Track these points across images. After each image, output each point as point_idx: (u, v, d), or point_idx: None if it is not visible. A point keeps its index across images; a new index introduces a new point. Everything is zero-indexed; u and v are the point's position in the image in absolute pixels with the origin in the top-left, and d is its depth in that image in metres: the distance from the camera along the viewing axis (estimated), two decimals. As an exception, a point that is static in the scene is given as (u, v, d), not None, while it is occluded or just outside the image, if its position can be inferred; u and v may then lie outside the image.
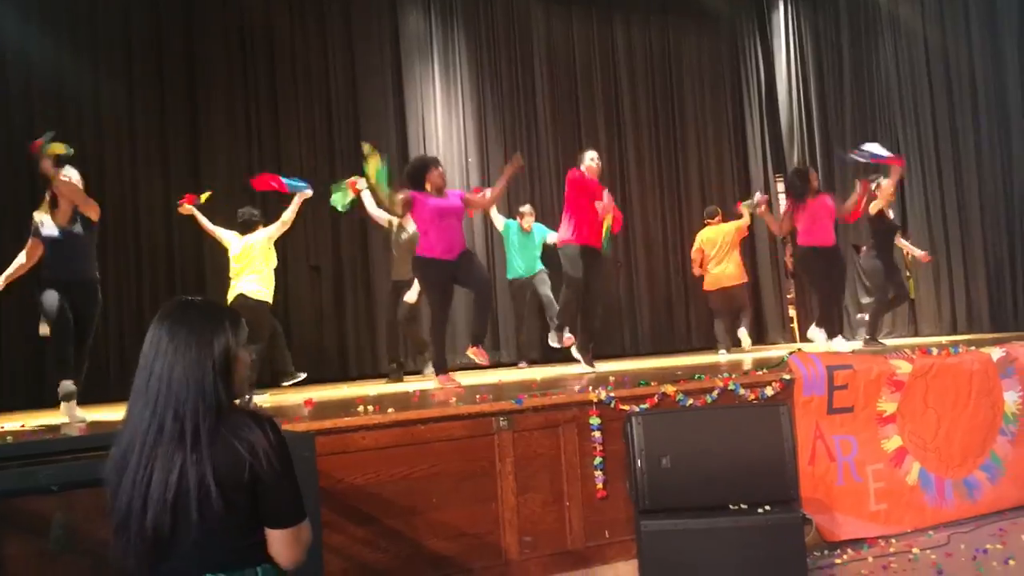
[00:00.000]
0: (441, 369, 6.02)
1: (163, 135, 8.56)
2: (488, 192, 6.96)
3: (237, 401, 2.09)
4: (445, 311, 6.08)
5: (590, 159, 6.87)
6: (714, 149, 11.16)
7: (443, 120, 9.86)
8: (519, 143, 10.15)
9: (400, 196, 5.93)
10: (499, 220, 9.14)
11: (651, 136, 10.93)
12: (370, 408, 4.35)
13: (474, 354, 6.20)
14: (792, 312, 11.37)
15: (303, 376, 7.37)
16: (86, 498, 3.24)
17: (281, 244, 8.89)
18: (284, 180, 6.95)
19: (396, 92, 9.66)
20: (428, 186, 5.97)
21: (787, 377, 5.06)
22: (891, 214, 7.90)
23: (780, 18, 11.19)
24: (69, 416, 5.11)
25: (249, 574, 1.98)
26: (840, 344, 7.16)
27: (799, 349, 5.72)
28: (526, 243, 8.97)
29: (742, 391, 4.87)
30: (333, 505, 3.62)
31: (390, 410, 4.25)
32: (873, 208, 7.66)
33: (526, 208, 9.07)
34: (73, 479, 2.54)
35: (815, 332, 7.40)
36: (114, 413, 5.55)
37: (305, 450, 2.76)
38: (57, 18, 8.11)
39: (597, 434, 4.42)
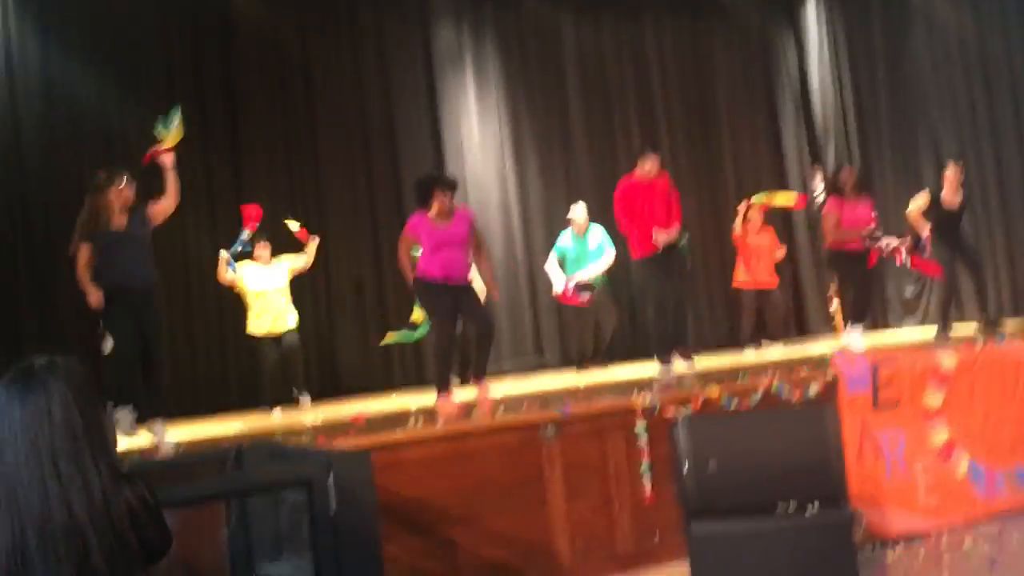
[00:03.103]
0: (441, 390, 5.71)
1: (207, 163, 8.74)
2: (484, 271, 6.32)
3: None
4: (446, 333, 5.83)
5: (640, 164, 6.68)
6: (750, 150, 11.11)
7: (479, 131, 9.95)
8: (554, 150, 10.21)
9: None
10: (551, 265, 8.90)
11: (686, 139, 10.92)
12: (420, 421, 4.47)
13: (480, 392, 5.75)
14: (835, 304, 11.29)
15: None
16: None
17: (323, 258, 9.10)
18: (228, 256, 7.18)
19: (431, 107, 9.76)
20: (433, 208, 5.63)
21: (830, 376, 5.09)
22: (959, 198, 7.74)
23: (811, 14, 11.11)
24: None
25: None
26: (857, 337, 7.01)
27: (843, 347, 5.75)
28: (583, 249, 8.66)
29: (786, 392, 4.92)
30: (390, 517, 3.72)
31: (439, 423, 4.37)
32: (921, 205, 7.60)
33: (574, 211, 8.78)
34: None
35: (851, 335, 7.11)
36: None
37: (362, 467, 2.87)
38: (99, 52, 8.30)
39: (643, 439, 4.49)
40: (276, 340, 7.46)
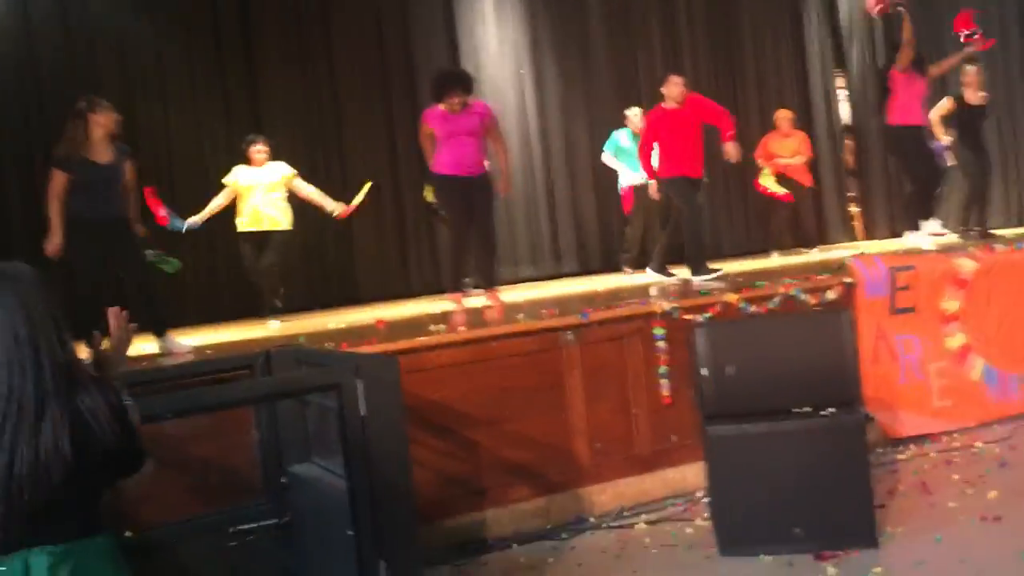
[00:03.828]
0: (454, 288, 5.97)
1: (222, 72, 8.66)
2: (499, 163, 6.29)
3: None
4: (461, 228, 5.95)
5: (665, 90, 6.57)
6: (771, 50, 10.89)
7: (495, 32, 9.79)
8: (572, 51, 10.05)
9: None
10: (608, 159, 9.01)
11: (706, 41, 10.70)
12: (442, 326, 4.55)
13: (488, 298, 5.96)
14: (853, 210, 11.25)
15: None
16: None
17: (339, 167, 9.08)
18: (166, 215, 6.65)
19: (446, 10, 9.60)
20: (444, 105, 5.76)
21: (848, 281, 5.12)
22: (980, 98, 7.64)
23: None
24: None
25: (87, 544, 1.89)
26: (932, 227, 6.96)
27: (862, 252, 5.74)
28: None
29: (803, 296, 4.95)
30: (415, 420, 3.82)
31: (460, 328, 4.45)
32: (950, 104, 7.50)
33: (632, 111, 8.83)
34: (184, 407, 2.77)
35: (914, 235, 7.00)
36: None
37: (391, 371, 2.94)
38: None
39: (662, 344, 4.56)
40: (259, 241, 7.09)
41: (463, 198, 5.83)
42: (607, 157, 9.00)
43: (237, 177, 7.07)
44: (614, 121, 9.43)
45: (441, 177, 5.91)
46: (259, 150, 7.08)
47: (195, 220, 6.93)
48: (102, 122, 5.03)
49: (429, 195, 7.54)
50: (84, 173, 4.95)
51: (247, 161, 7.10)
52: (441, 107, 5.78)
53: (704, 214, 7.81)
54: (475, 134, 5.82)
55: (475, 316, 5.36)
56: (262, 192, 7.05)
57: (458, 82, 5.85)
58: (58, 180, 4.92)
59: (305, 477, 3.42)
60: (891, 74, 6.98)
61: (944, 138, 7.72)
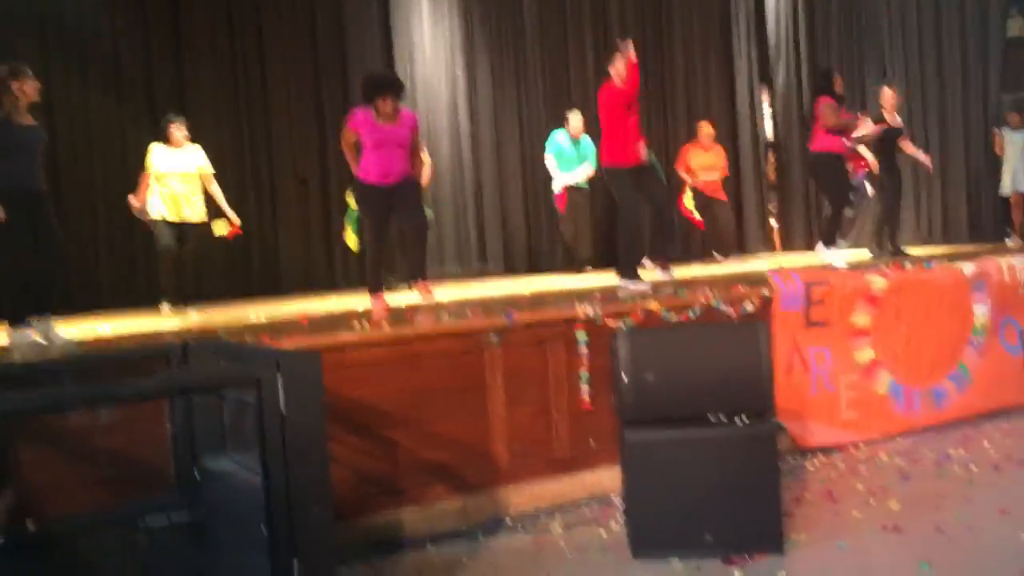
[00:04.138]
0: (373, 291, 5.82)
1: (148, 61, 8.49)
2: (424, 166, 6.39)
3: None
4: (380, 236, 5.88)
5: (613, 65, 6.29)
6: (700, 62, 11.11)
7: (429, 30, 9.77)
8: (506, 53, 10.10)
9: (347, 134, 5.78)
10: (549, 162, 9.10)
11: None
12: (365, 324, 4.52)
13: (419, 290, 5.92)
14: (773, 223, 11.55)
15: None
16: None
17: (267, 157, 8.97)
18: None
19: (382, 6, 9.55)
20: (376, 110, 5.57)
21: (766, 293, 5.25)
22: (897, 120, 7.91)
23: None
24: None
25: None
26: (839, 254, 7.11)
27: (780, 266, 5.89)
28: (580, 153, 8.99)
29: (723, 307, 5.06)
30: (334, 418, 3.78)
31: (384, 326, 4.42)
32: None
33: (573, 118, 8.99)
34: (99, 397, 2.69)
35: (828, 252, 7.11)
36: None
37: (312, 368, 2.90)
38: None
39: (584, 349, 4.61)
40: (174, 228, 7.03)
41: (386, 205, 5.73)
42: (549, 160, 9.06)
43: (155, 159, 6.95)
44: (545, 121, 9.54)
45: (367, 186, 5.70)
46: (179, 129, 7.01)
47: (137, 206, 6.93)
48: (26, 91, 4.97)
49: (351, 199, 7.48)
50: (8, 135, 4.86)
51: (166, 140, 6.97)
52: (370, 113, 5.59)
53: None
54: (404, 146, 5.68)
55: (398, 315, 5.34)
56: (180, 182, 6.99)
57: (391, 87, 5.67)
58: None
59: (219, 472, 3.35)
60: (817, 100, 7.19)
61: (871, 160, 8.01)
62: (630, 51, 6.15)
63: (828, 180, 7.39)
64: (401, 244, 7.41)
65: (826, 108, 7.03)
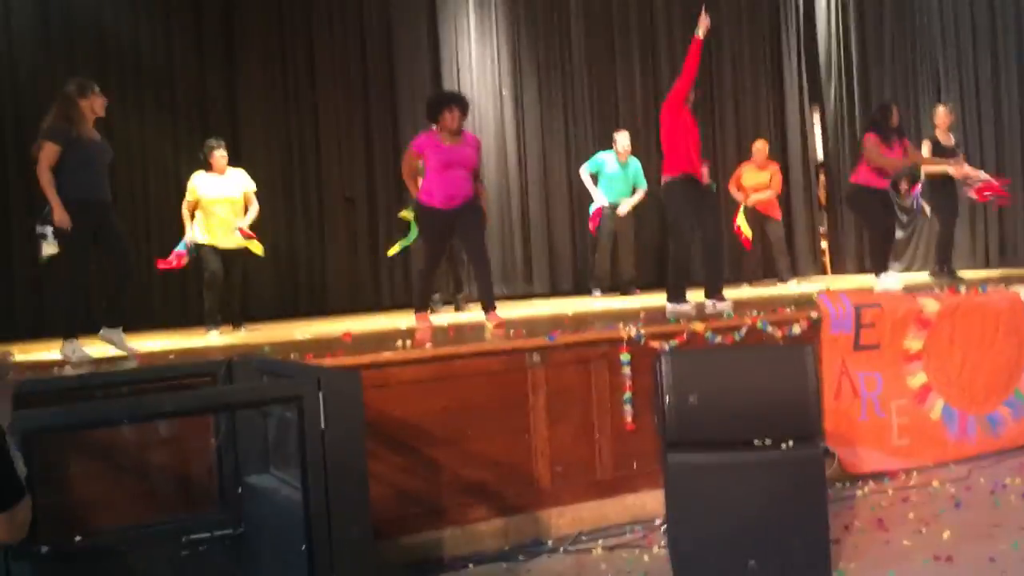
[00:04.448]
0: (419, 310, 5.86)
1: (202, 81, 8.66)
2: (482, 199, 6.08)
3: None
4: (436, 259, 5.93)
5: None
6: (750, 83, 11.02)
7: (477, 52, 9.84)
8: (553, 74, 10.12)
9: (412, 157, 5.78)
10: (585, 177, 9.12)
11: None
12: (408, 342, 4.53)
13: (491, 321, 5.55)
14: (824, 245, 11.38)
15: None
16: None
17: (315, 177, 9.08)
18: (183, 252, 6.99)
19: (430, 24, 9.64)
20: (441, 126, 5.63)
21: (814, 315, 5.17)
22: (951, 139, 7.75)
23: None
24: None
25: None
26: (895, 278, 6.90)
27: (828, 288, 5.81)
28: (624, 174, 9.01)
29: (770, 329, 4.99)
30: (375, 435, 3.81)
31: (427, 345, 4.43)
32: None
33: (620, 138, 9.00)
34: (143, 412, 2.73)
35: (883, 279, 6.79)
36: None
37: (352, 385, 2.92)
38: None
39: (627, 370, 4.57)
40: (220, 253, 7.08)
41: (448, 230, 5.73)
42: (585, 175, 9.06)
43: (199, 187, 7.04)
44: (592, 143, 9.54)
45: (429, 209, 5.65)
46: (222, 156, 7.07)
47: (190, 238, 7.03)
48: (95, 107, 5.12)
49: (407, 215, 7.48)
50: (78, 149, 4.97)
51: (208, 167, 7.06)
52: (434, 134, 5.62)
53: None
54: (469, 167, 5.65)
55: (442, 334, 5.35)
56: (225, 208, 7.05)
57: (457, 100, 5.72)
58: (50, 151, 4.92)
59: (261, 488, 3.38)
60: (866, 135, 7.00)
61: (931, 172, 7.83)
62: (704, 21, 5.96)
63: (863, 210, 7.23)
64: (455, 269, 7.50)
65: (871, 146, 6.85)
